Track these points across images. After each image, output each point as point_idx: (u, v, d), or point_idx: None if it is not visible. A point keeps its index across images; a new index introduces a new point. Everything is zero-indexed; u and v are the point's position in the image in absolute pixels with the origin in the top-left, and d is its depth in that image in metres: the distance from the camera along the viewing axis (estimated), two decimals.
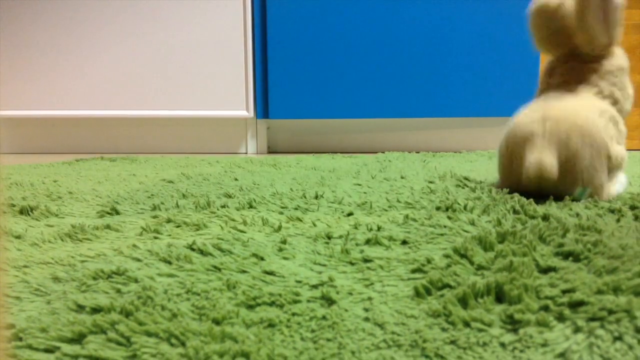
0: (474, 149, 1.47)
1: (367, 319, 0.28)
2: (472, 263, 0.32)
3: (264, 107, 1.43)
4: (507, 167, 0.56)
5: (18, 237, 0.46)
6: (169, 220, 0.48)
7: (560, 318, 0.25)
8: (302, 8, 1.38)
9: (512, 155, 0.55)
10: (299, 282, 0.33)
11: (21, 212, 0.55)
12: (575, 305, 0.25)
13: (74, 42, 1.39)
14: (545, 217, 0.41)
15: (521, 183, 0.54)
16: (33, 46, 1.39)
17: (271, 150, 1.50)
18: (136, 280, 0.32)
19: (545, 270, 0.29)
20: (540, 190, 0.52)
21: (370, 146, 1.49)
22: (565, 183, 0.51)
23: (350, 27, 1.38)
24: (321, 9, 1.38)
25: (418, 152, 1.29)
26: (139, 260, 0.36)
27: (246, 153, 1.45)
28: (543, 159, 0.49)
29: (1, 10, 1.37)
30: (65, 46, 1.39)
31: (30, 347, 0.23)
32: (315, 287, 0.32)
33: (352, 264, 0.36)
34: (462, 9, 1.37)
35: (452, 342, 0.24)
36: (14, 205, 0.57)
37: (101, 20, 1.38)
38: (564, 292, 0.26)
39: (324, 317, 0.28)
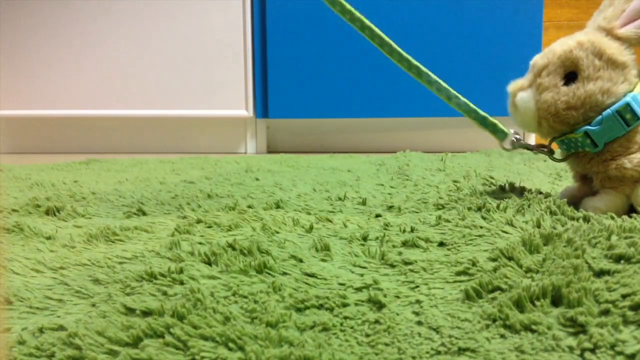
0: (480, 148, 1.47)
1: (420, 323, 0.27)
2: (520, 266, 0.32)
3: (263, 106, 1.42)
4: None
5: (49, 238, 0.45)
6: (199, 221, 0.48)
7: (625, 322, 0.24)
8: (302, 7, 1.37)
9: None
10: (343, 284, 0.33)
11: (47, 212, 0.55)
12: (637, 309, 0.25)
13: (73, 42, 1.38)
14: (586, 219, 0.40)
15: None
16: (33, 46, 1.39)
17: (271, 150, 1.49)
18: (181, 283, 0.31)
19: (599, 274, 0.29)
20: None
21: (370, 146, 1.48)
22: None
23: (350, 26, 1.37)
24: (321, 8, 1.37)
25: (431, 152, 1.29)
26: (178, 261, 0.36)
27: (245, 153, 1.45)
28: None
29: (1, 10, 1.37)
30: (64, 46, 1.38)
31: (89, 349, 0.23)
32: (360, 289, 0.32)
33: (392, 266, 0.36)
34: (468, 8, 1.37)
35: (517, 349, 0.23)
36: (39, 206, 0.56)
37: (101, 20, 1.38)
38: (624, 296, 0.26)
39: (377, 321, 0.27)
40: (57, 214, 0.54)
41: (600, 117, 0.45)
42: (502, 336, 0.25)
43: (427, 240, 0.41)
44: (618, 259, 0.30)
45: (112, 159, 1.06)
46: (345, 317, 0.28)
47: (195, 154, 1.38)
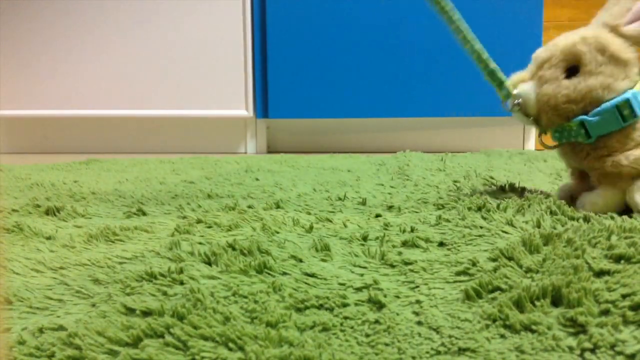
0: (480, 148, 1.47)
1: (420, 323, 0.27)
2: (520, 266, 0.32)
3: (263, 106, 1.42)
4: None
5: (49, 238, 0.45)
6: (199, 221, 0.48)
7: (625, 322, 0.24)
8: (302, 7, 1.37)
9: None
10: (343, 284, 0.33)
11: (47, 212, 0.55)
12: (637, 309, 0.25)
13: (73, 41, 1.38)
14: (586, 219, 0.40)
15: None
16: (33, 46, 1.39)
17: (271, 150, 1.49)
18: (181, 283, 0.31)
19: (599, 274, 0.29)
20: None
21: (371, 146, 1.48)
22: None
23: (350, 26, 1.37)
24: (321, 7, 1.37)
25: (431, 152, 1.29)
26: (178, 261, 0.36)
27: (245, 153, 1.45)
28: None
29: (1, 11, 1.37)
30: (65, 46, 1.38)
31: (89, 349, 0.23)
32: (360, 289, 0.32)
33: (392, 266, 0.36)
34: (468, 8, 1.36)
35: (517, 349, 0.23)
36: (39, 206, 0.56)
37: (101, 19, 1.38)
38: (624, 296, 0.26)
39: (376, 321, 0.27)
40: (57, 214, 0.54)
41: (599, 108, 0.45)
42: (502, 336, 0.25)
43: (427, 240, 0.41)
44: (618, 259, 0.30)
45: (112, 159, 1.06)
46: (345, 317, 0.28)
47: (195, 154, 1.38)
